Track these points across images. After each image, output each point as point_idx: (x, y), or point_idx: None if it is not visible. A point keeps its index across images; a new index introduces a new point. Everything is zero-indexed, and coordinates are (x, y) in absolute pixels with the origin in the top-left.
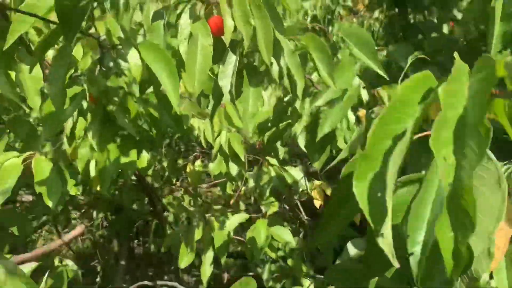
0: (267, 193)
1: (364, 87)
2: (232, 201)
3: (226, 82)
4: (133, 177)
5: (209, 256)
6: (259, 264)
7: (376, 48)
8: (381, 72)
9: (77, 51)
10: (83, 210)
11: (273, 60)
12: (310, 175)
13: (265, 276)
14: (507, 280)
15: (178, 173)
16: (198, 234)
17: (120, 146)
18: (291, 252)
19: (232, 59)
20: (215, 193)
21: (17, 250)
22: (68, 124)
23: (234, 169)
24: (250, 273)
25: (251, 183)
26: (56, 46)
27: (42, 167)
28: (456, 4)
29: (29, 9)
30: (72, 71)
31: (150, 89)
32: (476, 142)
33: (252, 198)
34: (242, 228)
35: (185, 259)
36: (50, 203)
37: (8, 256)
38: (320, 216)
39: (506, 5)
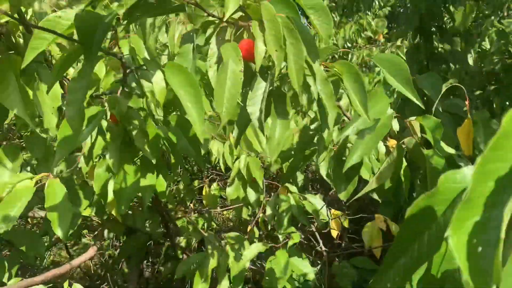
0: (285, 222)
1: (395, 117)
2: (249, 228)
3: (254, 109)
4: None
5: (224, 285)
6: None
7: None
8: (417, 101)
9: (100, 69)
10: (96, 232)
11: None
12: (328, 204)
13: None
14: None
15: (193, 196)
16: (213, 263)
17: (138, 168)
18: (306, 284)
19: (261, 85)
20: (228, 215)
21: (26, 268)
22: (87, 143)
23: (252, 194)
24: None
25: (269, 211)
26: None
27: (55, 191)
28: (480, 38)
29: (50, 25)
30: (93, 89)
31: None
32: None
33: (269, 226)
34: (256, 257)
35: None
36: (60, 233)
37: (17, 280)
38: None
39: None
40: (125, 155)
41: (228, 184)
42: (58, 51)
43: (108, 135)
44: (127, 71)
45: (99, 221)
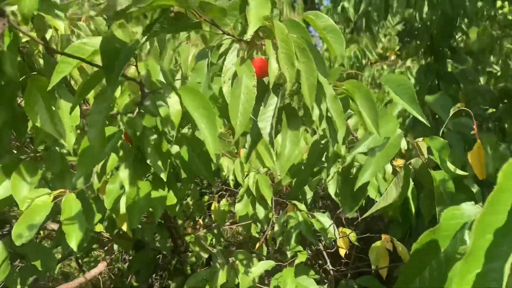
0: (293, 240)
1: (404, 137)
2: (257, 245)
3: (266, 124)
4: None
5: None
6: None
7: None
8: (422, 119)
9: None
10: (106, 247)
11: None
12: (336, 222)
13: None
14: None
15: (202, 211)
16: (222, 277)
17: (150, 183)
18: None
19: (273, 101)
20: (237, 229)
21: (38, 281)
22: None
23: (261, 211)
24: None
25: (277, 227)
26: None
27: (71, 205)
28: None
29: (75, 51)
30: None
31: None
32: None
33: (278, 243)
34: (265, 273)
35: None
36: (73, 245)
37: None
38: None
39: None
40: (138, 172)
41: (237, 200)
42: (77, 73)
43: (121, 153)
44: (145, 94)
45: (109, 237)
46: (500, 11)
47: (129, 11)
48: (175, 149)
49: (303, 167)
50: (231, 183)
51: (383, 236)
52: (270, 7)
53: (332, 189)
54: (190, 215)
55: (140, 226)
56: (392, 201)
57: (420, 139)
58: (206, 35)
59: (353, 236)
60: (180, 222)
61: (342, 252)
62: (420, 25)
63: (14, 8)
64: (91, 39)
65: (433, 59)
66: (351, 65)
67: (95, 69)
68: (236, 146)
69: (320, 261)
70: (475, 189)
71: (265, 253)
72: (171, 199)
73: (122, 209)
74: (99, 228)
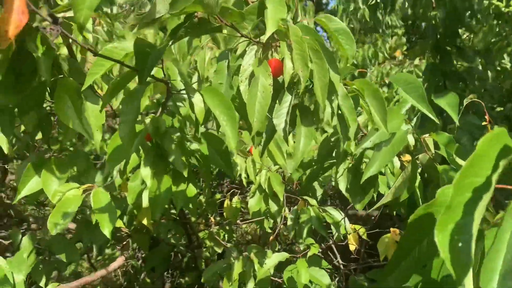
0: (305, 233)
1: (411, 133)
2: (271, 239)
3: (280, 120)
4: (172, 210)
5: (250, 287)
6: None
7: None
8: (431, 115)
9: None
10: (124, 242)
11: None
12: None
13: None
14: None
15: (214, 208)
16: (238, 267)
17: (171, 178)
18: None
19: (287, 99)
20: (246, 229)
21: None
22: None
23: (274, 207)
24: None
25: (289, 221)
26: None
27: (100, 197)
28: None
29: (108, 53)
30: None
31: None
32: None
33: (290, 238)
34: (277, 266)
35: None
36: (106, 232)
37: (54, 285)
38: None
39: None
40: (159, 168)
41: (249, 196)
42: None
43: (141, 151)
44: (170, 94)
45: (128, 232)
46: (506, 10)
47: (163, 18)
48: (193, 146)
49: (313, 163)
50: (244, 181)
51: (392, 230)
52: (286, 10)
53: (342, 185)
54: (202, 212)
55: (154, 223)
56: (400, 193)
57: (427, 135)
58: (218, 38)
59: (362, 231)
60: (193, 219)
61: (352, 247)
62: (426, 24)
63: (62, 14)
64: (121, 42)
65: (439, 58)
66: (361, 66)
67: (120, 71)
68: (252, 141)
69: (329, 257)
70: None
71: (277, 248)
72: (191, 191)
73: (145, 203)
74: (120, 223)
